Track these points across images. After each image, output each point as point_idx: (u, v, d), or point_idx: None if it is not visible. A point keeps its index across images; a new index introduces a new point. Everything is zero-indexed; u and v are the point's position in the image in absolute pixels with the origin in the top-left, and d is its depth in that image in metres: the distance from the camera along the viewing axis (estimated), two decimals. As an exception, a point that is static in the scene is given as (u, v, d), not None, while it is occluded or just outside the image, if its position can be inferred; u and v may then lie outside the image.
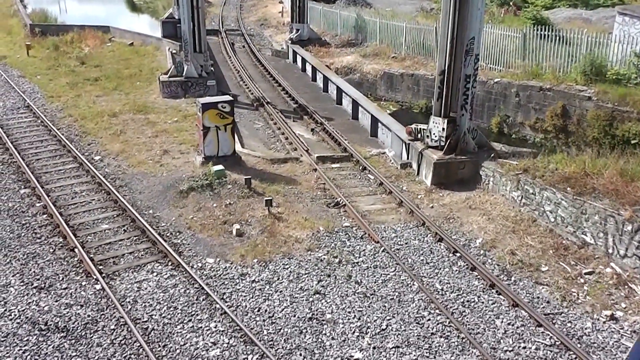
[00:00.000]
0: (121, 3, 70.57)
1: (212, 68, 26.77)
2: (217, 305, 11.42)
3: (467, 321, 11.23)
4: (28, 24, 39.69)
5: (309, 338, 10.70)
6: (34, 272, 12.56)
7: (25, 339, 10.53)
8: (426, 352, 10.38)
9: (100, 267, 12.71)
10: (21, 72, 29.62)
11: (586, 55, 20.99)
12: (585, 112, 19.66)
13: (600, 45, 21.13)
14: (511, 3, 37.40)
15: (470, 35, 15.96)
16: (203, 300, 11.68)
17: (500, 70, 24.26)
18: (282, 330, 10.89)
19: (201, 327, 10.92)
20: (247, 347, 10.40)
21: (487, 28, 24.59)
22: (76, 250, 13.22)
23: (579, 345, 10.47)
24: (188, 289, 12.04)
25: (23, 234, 14.11)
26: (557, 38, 22.60)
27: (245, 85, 27.86)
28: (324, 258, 13.24)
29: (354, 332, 10.89)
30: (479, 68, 16.98)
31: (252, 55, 34.16)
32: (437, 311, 11.46)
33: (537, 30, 23.45)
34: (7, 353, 10.17)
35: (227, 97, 18.19)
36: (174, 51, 28.08)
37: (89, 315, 11.18)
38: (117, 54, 34.02)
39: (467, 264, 13.05)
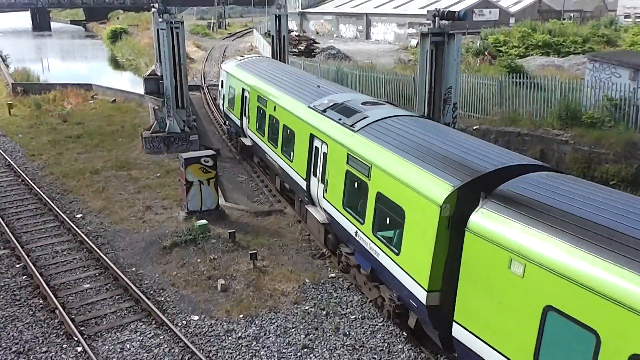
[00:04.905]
0: (104, 61, 71.63)
1: (194, 123, 26.97)
2: (203, 364, 11.14)
3: (458, 371, 11.03)
4: (10, 83, 39.90)
5: (298, 395, 10.44)
6: (13, 335, 12.17)
7: (3, 407, 10.14)
8: (418, 405, 10.15)
9: (82, 328, 12.37)
10: (2, 131, 29.49)
11: (561, 100, 21.58)
12: (564, 155, 20.04)
13: (574, 91, 21.77)
14: (486, 53, 38.65)
15: (448, 84, 16.32)
16: (188, 359, 11.37)
17: (479, 117, 24.76)
18: (270, 388, 10.61)
19: (186, 387, 10.60)
20: (235, 407, 10.10)
21: (464, 77, 25.24)
22: (57, 311, 12.87)
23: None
24: (173, 348, 11.73)
25: (1, 297, 13.72)
26: (532, 85, 23.24)
27: (229, 138, 28.02)
28: (311, 311, 13.05)
29: (343, 387, 10.65)
30: (457, 116, 17.29)
31: (235, 109, 34.47)
32: (428, 362, 11.28)
33: (513, 77, 24.12)
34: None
35: (210, 152, 18.27)
36: (157, 107, 28.28)
37: (69, 380, 10.81)
38: (99, 111, 34.16)
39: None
